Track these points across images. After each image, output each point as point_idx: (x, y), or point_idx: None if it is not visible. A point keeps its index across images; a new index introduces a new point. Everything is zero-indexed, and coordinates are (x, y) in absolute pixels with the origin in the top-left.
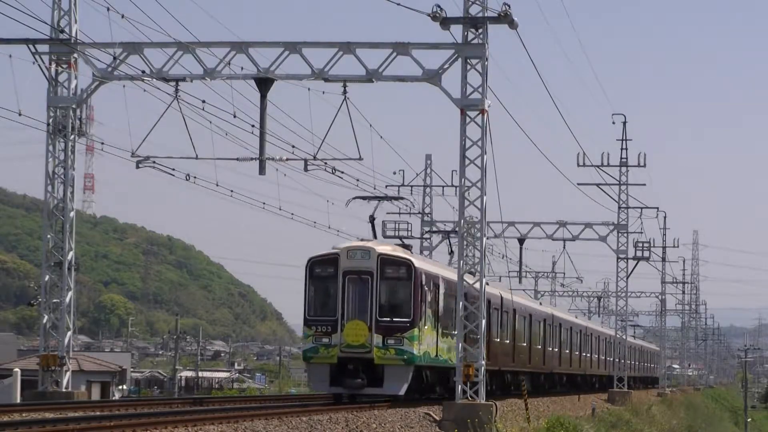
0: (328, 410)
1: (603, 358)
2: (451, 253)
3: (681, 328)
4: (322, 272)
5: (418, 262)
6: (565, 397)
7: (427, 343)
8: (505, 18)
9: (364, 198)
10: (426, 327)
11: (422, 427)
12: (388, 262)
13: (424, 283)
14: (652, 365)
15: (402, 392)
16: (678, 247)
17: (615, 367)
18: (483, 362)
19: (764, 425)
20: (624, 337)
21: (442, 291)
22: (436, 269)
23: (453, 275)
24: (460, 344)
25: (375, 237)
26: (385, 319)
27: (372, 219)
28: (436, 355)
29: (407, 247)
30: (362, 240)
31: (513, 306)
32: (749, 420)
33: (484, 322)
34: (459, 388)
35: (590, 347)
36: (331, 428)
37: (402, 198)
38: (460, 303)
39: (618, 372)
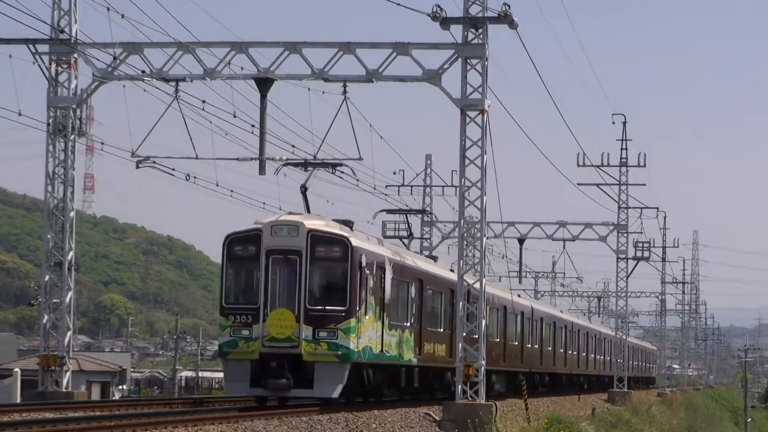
0: (328, 410)
1: (594, 356)
2: (411, 235)
3: (681, 328)
4: (242, 252)
5: (357, 240)
6: (565, 397)
7: (368, 336)
8: (505, 18)
9: (296, 164)
10: (367, 317)
11: (422, 427)
12: (320, 239)
13: (364, 265)
14: (649, 365)
15: (335, 395)
16: (678, 247)
17: (607, 367)
18: (483, 362)
19: (764, 425)
20: (624, 337)
21: (389, 275)
22: (382, 250)
23: (406, 258)
24: (460, 344)
25: (308, 210)
26: (316, 307)
27: (304, 189)
28: (382, 351)
29: (347, 223)
30: (290, 213)
31: (486, 297)
32: (749, 420)
33: (484, 322)
34: (459, 388)
35: (578, 345)
36: (331, 428)
37: (340, 164)
38: (460, 303)
39: (617, 372)
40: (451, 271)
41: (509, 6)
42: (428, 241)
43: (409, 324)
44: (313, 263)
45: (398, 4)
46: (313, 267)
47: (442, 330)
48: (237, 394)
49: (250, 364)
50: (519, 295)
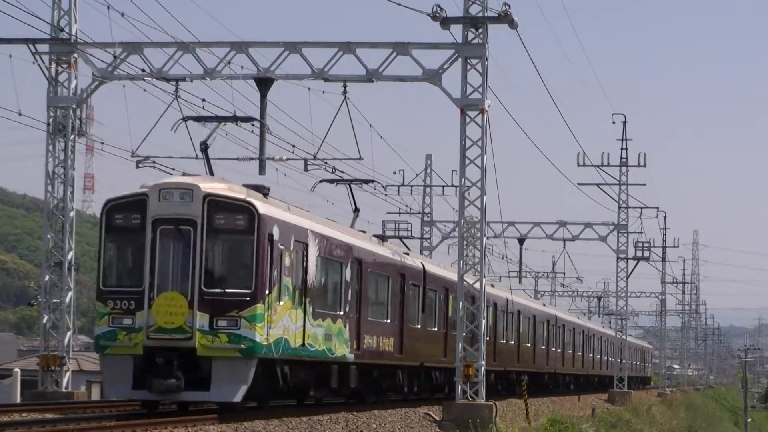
0: (328, 410)
1: (583, 354)
2: (356, 210)
3: (681, 328)
4: (123, 222)
5: (268, 208)
6: (565, 397)
7: (283, 326)
8: (505, 18)
9: (197, 119)
10: (281, 303)
11: (422, 427)
12: (220, 206)
13: (277, 238)
14: (644, 364)
15: (237, 398)
16: (678, 247)
17: (597, 366)
18: (483, 362)
19: (764, 425)
20: (624, 336)
21: (314, 253)
22: (304, 222)
23: (340, 234)
24: (460, 344)
25: (211, 172)
26: (213, 290)
27: (205, 147)
28: (303, 344)
29: (260, 189)
30: (185, 174)
31: (444, 284)
32: (749, 420)
33: (484, 321)
34: (459, 388)
35: (563, 342)
36: (331, 428)
37: (253, 119)
38: (460, 303)
39: (617, 372)
40: (406, 254)
41: (509, 6)
42: (428, 241)
43: (342, 313)
44: (211, 235)
45: (398, 4)
46: (211, 240)
47: (389, 321)
48: (118, 398)
49: (132, 361)
50: (493, 285)
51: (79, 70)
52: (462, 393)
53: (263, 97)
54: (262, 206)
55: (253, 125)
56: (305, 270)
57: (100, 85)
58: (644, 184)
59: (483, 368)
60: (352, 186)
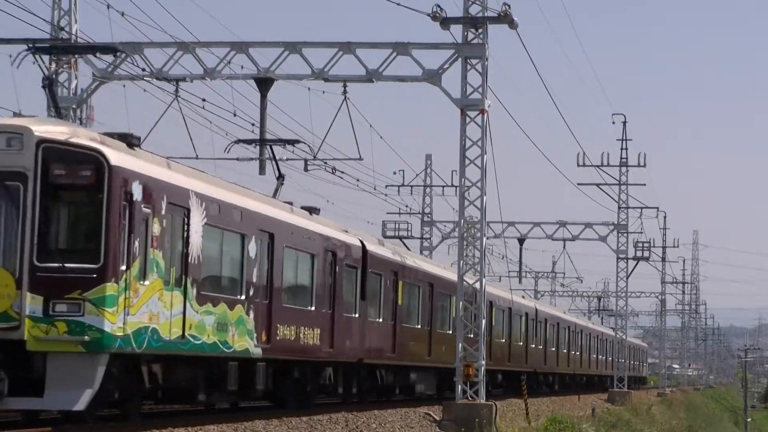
0: (328, 410)
1: (566, 352)
2: (280, 177)
3: (681, 328)
4: None
5: (124, 159)
6: (565, 397)
7: (149, 311)
8: (505, 18)
9: (46, 50)
10: (147, 282)
11: (422, 427)
12: (59, 155)
13: (139, 199)
14: (639, 363)
15: (80, 406)
16: (678, 247)
17: (586, 365)
18: (483, 362)
19: (764, 425)
20: (624, 336)
21: (199, 221)
22: (184, 180)
23: (237, 198)
24: (460, 344)
25: (58, 114)
26: (49, 264)
27: (48, 83)
28: (183, 336)
29: (125, 137)
30: (16, 115)
31: (392, 268)
32: (749, 420)
33: (484, 321)
34: (459, 388)
35: (544, 338)
36: (331, 428)
37: (115, 50)
38: (460, 303)
39: (617, 372)
40: (345, 232)
41: (509, 6)
42: (428, 241)
43: (244, 297)
44: (47, 193)
45: (398, 4)
46: (47, 199)
47: (313, 309)
48: None
49: None
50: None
51: (79, 70)
52: (462, 393)
53: (263, 97)
54: (117, 156)
55: (127, 60)
56: (186, 241)
57: (100, 85)
58: (644, 184)
59: (483, 368)
60: (274, 147)
